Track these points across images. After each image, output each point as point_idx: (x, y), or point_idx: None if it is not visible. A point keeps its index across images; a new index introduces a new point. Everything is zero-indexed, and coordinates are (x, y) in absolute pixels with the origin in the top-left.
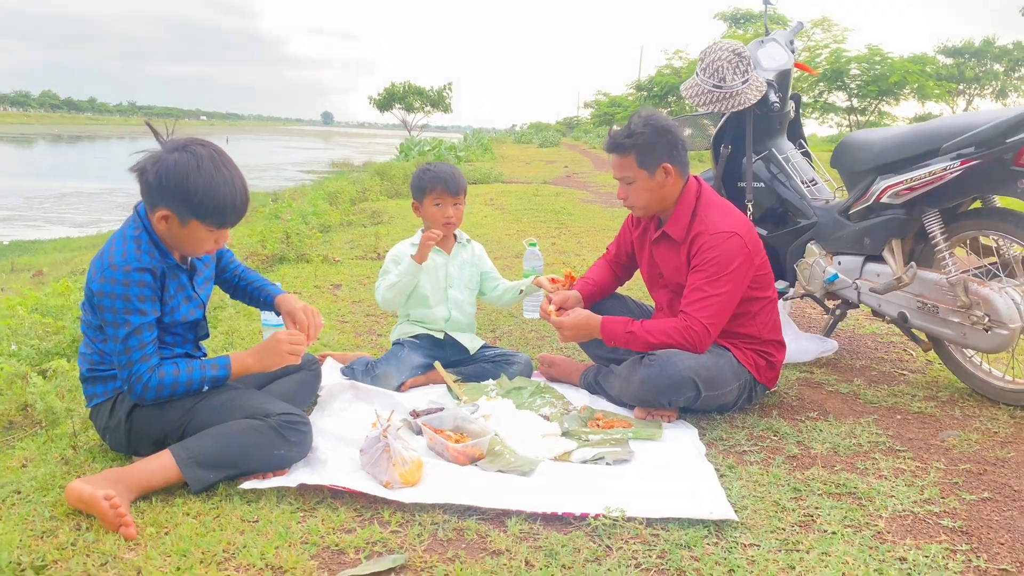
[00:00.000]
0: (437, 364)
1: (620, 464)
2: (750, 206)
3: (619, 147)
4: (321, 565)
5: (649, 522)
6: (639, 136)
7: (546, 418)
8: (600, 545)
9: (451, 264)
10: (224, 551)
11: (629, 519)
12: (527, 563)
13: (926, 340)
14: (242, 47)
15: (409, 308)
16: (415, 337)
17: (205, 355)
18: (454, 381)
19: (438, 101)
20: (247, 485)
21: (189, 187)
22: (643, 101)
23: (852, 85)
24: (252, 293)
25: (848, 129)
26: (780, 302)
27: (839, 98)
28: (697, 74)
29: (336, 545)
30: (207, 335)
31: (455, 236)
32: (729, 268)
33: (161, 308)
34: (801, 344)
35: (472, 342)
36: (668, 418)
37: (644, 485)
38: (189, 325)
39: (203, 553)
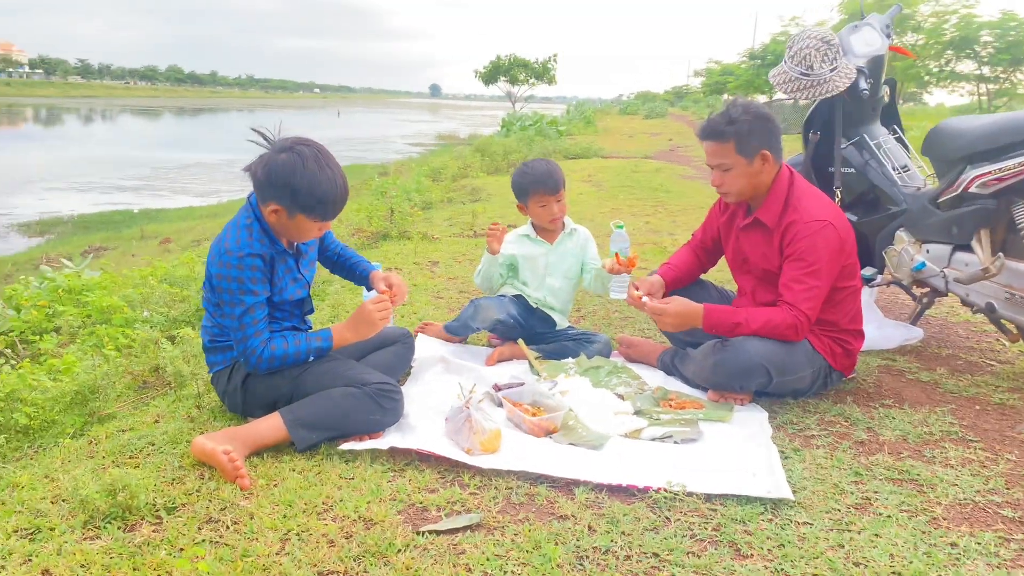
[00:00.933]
0: (520, 342)
1: (687, 443)
2: (839, 192)
3: (718, 133)
4: (406, 520)
5: (708, 497)
6: (740, 123)
7: (621, 397)
8: (659, 516)
9: (552, 253)
10: (323, 503)
11: (689, 494)
12: (590, 528)
13: (1014, 331)
14: (354, 21)
15: (516, 282)
16: (516, 296)
17: (311, 328)
18: (535, 358)
19: (542, 73)
20: (345, 446)
21: (295, 185)
22: (756, 70)
23: (983, 53)
24: (351, 268)
25: (982, 99)
26: (865, 289)
27: (967, 66)
28: (785, 61)
29: (420, 503)
30: (312, 311)
31: (563, 224)
32: (825, 258)
33: (271, 288)
34: (885, 331)
35: (563, 320)
36: (741, 401)
37: (707, 463)
38: (296, 303)
39: (306, 504)
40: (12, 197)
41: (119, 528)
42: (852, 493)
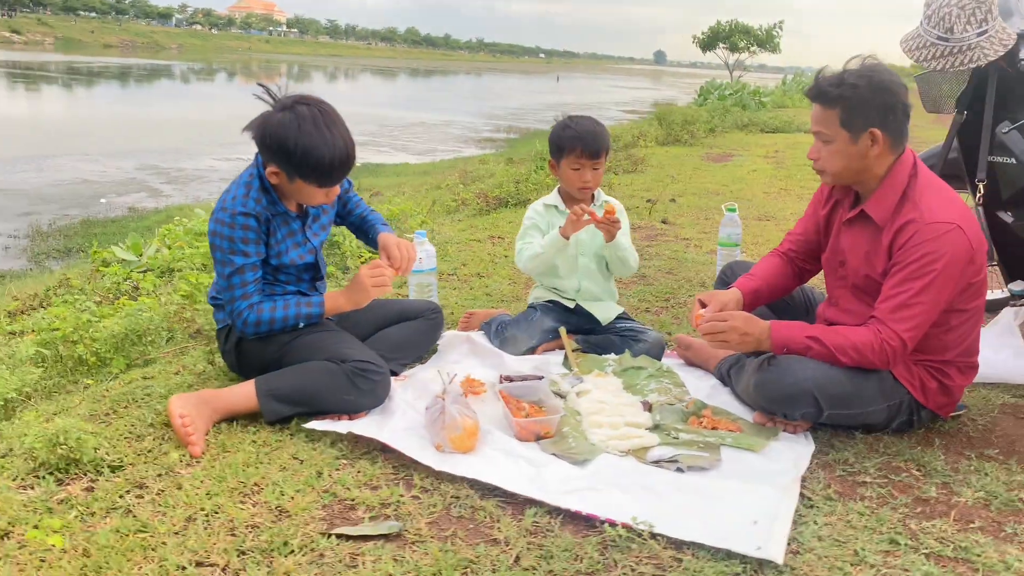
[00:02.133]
0: (562, 330)
1: (695, 472)
2: (981, 187)
3: (823, 96)
4: (326, 517)
5: (678, 544)
6: (850, 88)
7: (648, 406)
8: (606, 558)
9: (583, 230)
10: (255, 484)
11: (655, 535)
12: (517, 559)
13: None
14: None
15: (540, 277)
16: (548, 302)
17: (322, 294)
18: (573, 350)
19: (765, 40)
20: (309, 424)
21: (290, 148)
22: None
23: None
24: (367, 232)
25: None
26: (1008, 309)
27: None
28: (921, 23)
29: (352, 500)
30: (323, 277)
31: (592, 196)
32: (946, 271)
33: (266, 251)
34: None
35: (606, 312)
36: (794, 429)
37: (703, 499)
38: (302, 267)
39: (238, 483)
40: (253, 147)
41: (55, 482)
42: (872, 567)
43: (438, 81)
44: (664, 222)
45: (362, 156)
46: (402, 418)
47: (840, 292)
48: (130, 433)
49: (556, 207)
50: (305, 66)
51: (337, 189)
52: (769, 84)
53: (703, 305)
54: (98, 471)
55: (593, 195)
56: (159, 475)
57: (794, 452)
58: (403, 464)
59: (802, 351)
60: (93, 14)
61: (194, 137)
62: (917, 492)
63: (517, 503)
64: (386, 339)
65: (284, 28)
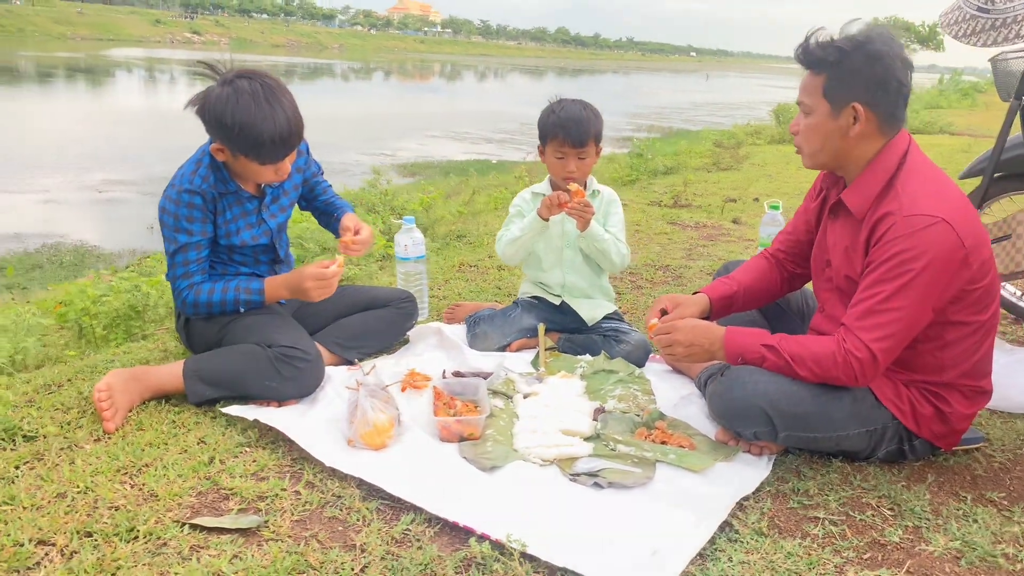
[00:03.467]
0: (541, 327)
1: (618, 489)
2: None
3: (809, 59)
4: (194, 505)
5: (551, 569)
6: (838, 53)
7: (600, 413)
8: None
9: (569, 220)
10: (143, 466)
11: (527, 556)
12: (362, 569)
13: None
14: None
15: (526, 269)
16: (534, 298)
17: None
18: (547, 348)
19: (928, 38)
20: (226, 409)
21: (227, 123)
22: None
23: None
24: (331, 215)
25: None
26: None
27: None
28: None
29: (231, 490)
30: (280, 259)
31: (583, 186)
32: (926, 271)
33: (214, 231)
34: None
35: (593, 310)
36: (759, 451)
37: (600, 522)
38: (259, 249)
39: (128, 462)
40: (399, 141)
41: None
42: None
43: (585, 80)
44: (735, 222)
45: (499, 153)
46: (327, 408)
47: (827, 296)
48: (63, 406)
49: (544, 195)
50: (456, 65)
51: (287, 166)
52: (926, 84)
53: (664, 312)
54: (12, 439)
55: (585, 184)
56: (63, 448)
57: (741, 476)
58: (303, 457)
59: (757, 362)
60: (264, 16)
61: (344, 132)
62: (876, 535)
63: (400, 508)
64: (346, 327)
65: (438, 28)
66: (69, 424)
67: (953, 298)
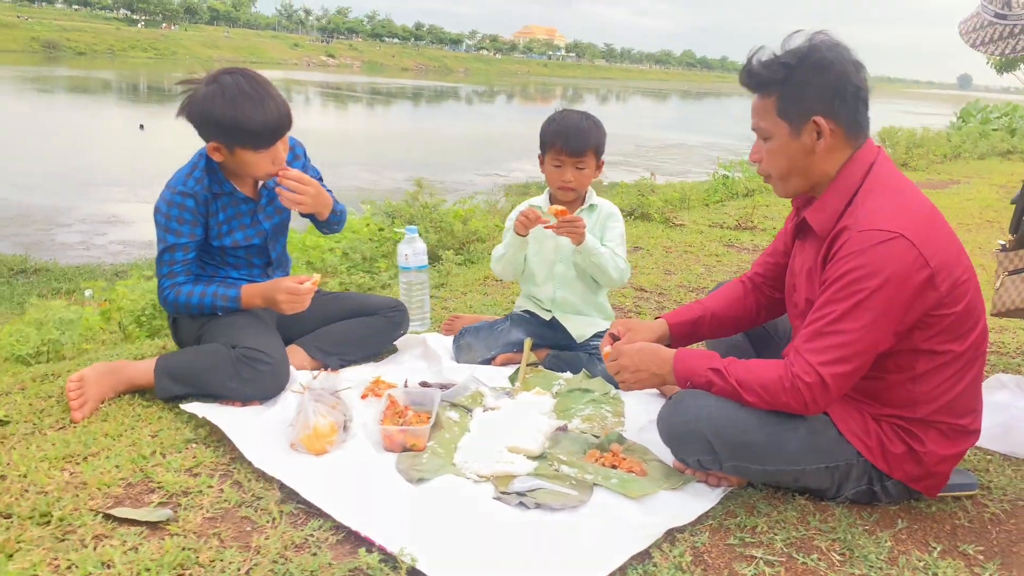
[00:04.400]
0: (527, 342)
1: (545, 511)
2: None
3: (755, 81)
4: (119, 495)
5: None
6: (784, 69)
7: (563, 431)
8: None
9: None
10: (90, 455)
11: (415, 572)
12: (249, 570)
13: None
14: (875, 4)
15: (521, 282)
16: (525, 312)
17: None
18: (529, 364)
19: None
20: (186, 406)
21: (218, 115)
22: None
23: None
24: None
25: None
26: None
27: None
28: (980, 3)
29: (159, 483)
30: (273, 263)
31: (582, 199)
32: (880, 290)
33: (204, 233)
34: None
35: (583, 327)
36: (717, 481)
37: (504, 545)
38: (252, 251)
39: (76, 451)
40: (514, 162)
41: None
42: None
43: (709, 103)
44: None
45: (610, 175)
46: (284, 411)
47: (796, 323)
48: (46, 394)
49: (541, 208)
50: (578, 88)
51: (282, 154)
52: None
53: (615, 338)
54: None
55: (584, 197)
56: (27, 434)
57: (681, 506)
58: (241, 457)
59: (705, 386)
60: (396, 40)
61: (462, 152)
62: None
63: (312, 513)
64: (330, 332)
65: (562, 52)
66: (42, 412)
67: (918, 323)
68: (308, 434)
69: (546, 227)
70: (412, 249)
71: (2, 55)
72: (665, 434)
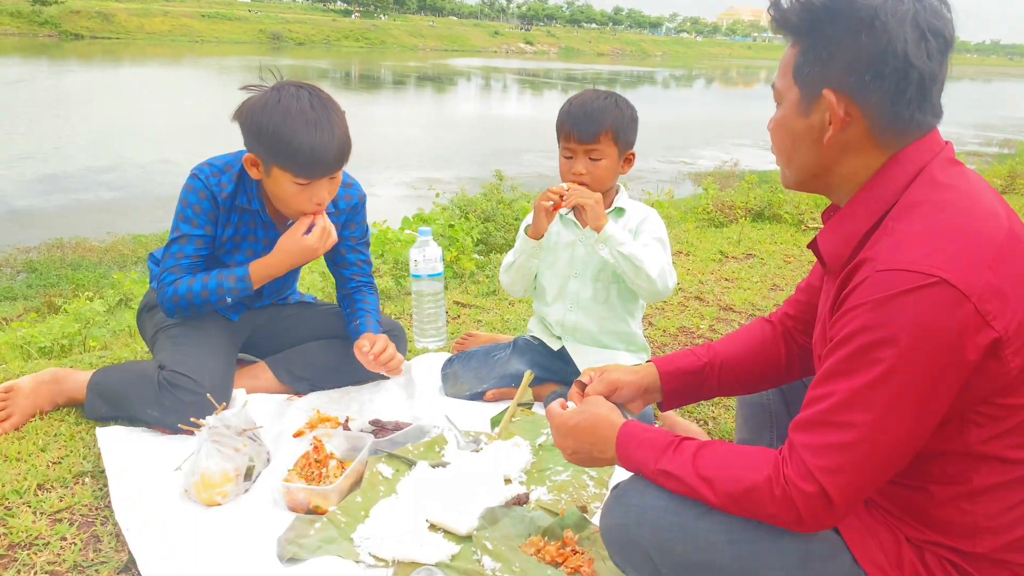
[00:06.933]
0: (527, 376)
1: None
2: None
3: (779, 18)
4: None
5: None
6: (810, 14)
7: (523, 502)
8: None
9: (583, 243)
10: None
11: None
12: None
13: None
14: None
15: (534, 301)
16: (534, 337)
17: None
18: (521, 404)
19: None
20: (99, 432)
21: (262, 123)
22: None
23: None
24: (350, 309)
25: None
26: None
27: None
28: None
29: (7, 530)
30: (276, 294)
31: (609, 200)
32: (900, 359)
33: (214, 239)
34: None
35: (590, 360)
36: None
37: None
38: None
39: None
40: (703, 149)
41: None
42: None
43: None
44: None
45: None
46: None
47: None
48: None
49: (560, 212)
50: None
51: (325, 195)
52: None
53: (582, 388)
54: None
55: (612, 198)
56: None
57: None
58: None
59: (653, 473)
60: (594, 25)
61: (650, 138)
62: None
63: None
64: (304, 353)
65: (768, 34)
66: None
67: (973, 414)
68: (196, 481)
69: (552, 207)
70: (423, 254)
71: (236, 46)
72: (604, 537)
